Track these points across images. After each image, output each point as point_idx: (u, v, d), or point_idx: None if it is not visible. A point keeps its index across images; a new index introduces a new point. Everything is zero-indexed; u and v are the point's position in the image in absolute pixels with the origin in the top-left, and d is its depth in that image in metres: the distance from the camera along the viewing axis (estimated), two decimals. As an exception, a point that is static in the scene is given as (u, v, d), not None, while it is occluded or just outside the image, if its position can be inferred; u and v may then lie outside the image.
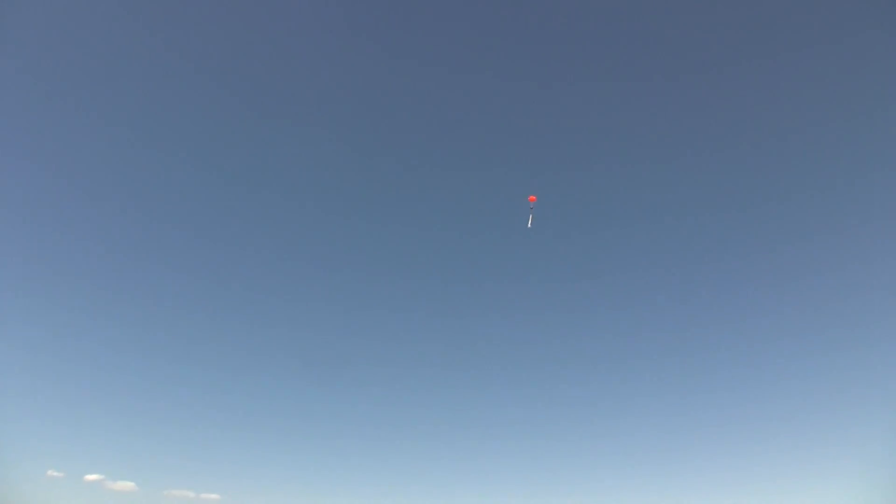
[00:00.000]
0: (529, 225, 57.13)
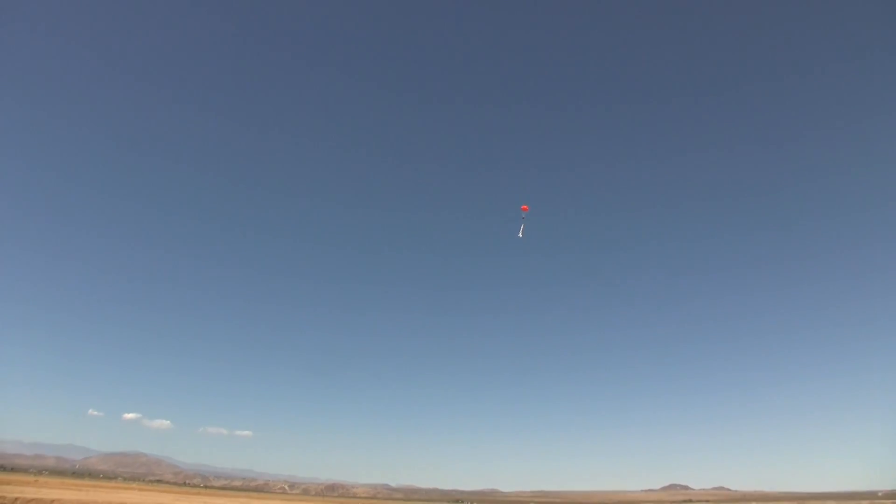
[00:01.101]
0: (521, 235, 52.94)
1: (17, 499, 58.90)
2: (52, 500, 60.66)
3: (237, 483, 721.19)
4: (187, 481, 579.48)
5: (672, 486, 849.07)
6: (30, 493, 71.53)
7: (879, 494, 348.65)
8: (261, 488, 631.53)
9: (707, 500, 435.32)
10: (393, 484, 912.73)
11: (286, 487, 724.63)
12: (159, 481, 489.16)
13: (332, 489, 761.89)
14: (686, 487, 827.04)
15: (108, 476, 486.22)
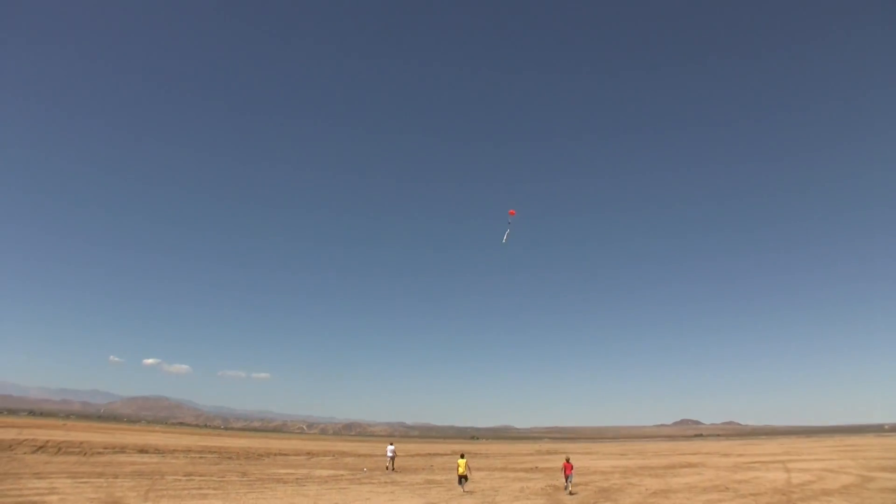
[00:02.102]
0: (504, 241, 52.37)
1: (48, 441, 61.87)
2: (81, 442, 63.62)
3: (256, 424, 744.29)
4: (208, 423, 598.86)
5: (684, 422, 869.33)
6: (59, 436, 74.84)
7: (886, 427, 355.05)
8: (279, 429, 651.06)
9: (717, 435, 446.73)
10: (409, 422, 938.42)
11: (304, 427, 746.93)
12: (181, 424, 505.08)
13: (349, 428, 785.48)
14: (697, 422, 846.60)
15: (132, 420, 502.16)
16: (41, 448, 55.20)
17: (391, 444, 57.79)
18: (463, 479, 33.39)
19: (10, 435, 68.90)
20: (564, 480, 32.95)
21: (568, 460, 33.98)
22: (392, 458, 52.73)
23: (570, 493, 31.68)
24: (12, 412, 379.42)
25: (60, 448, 56.19)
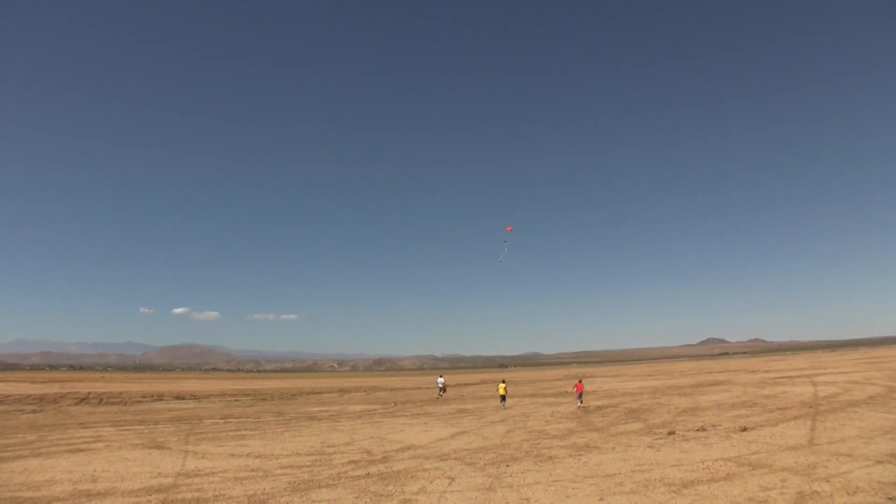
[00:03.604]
0: (501, 260, 50.35)
1: (89, 393, 63.98)
2: (120, 393, 65.77)
3: (288, 365, 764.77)
4: (240, 367, 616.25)
5: (710, 341, 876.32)
6: (99, 387, 77.40)
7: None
8: (311, 368, 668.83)
9: (743, 352, 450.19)
10: (438, 354, 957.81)
11: (335, 365, 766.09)
12: (214, 369, 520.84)
13: (379, 363, 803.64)
14: (723, 341, 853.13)
15: (166, 368, 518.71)
16: (84, 400, 57.12)
17: (441, 376, 67.69)
18: (503, 398, 40.83)
19: (53, 389, 71.44)
20: (578, 398, 38.44)
21: (580, 381, 41.35)
22: (442, 389, 59.07)
23: (581, 406, 36.99)
24: (53, 367, 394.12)
25: (101, 399, 58.09)
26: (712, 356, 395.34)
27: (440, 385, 59.78)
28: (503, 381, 44.05)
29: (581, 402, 38.01)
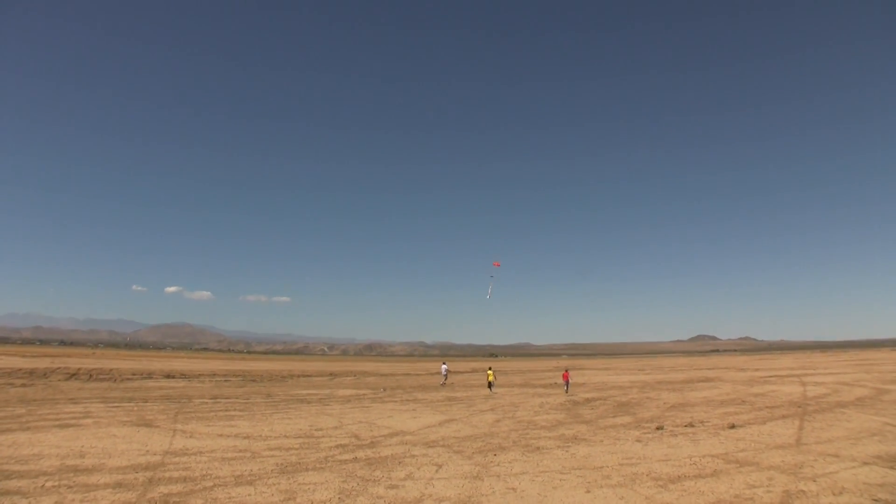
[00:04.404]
0: (489, 297, 51.04)
1: (79, 368, 63.85)
2: (110, 369, 65.65)
3: (278, 347, 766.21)
4: (231, 348, 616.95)
5: (700, 337, 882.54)
6: (90, 364, 77.24)
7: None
8: (301, 351, 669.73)
9: (733, 350, 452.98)
10: (429, 341, 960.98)
11: (326, 349, 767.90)
12: (205, 349, 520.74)
13: (370, 348, 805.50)
14: (713, 338, 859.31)
15: (157, 346, 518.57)
16: (74, 375, 57.02)
17: (444, 363, 69.28)
18: (490, 384, 46.14)
19: (44, 363, 71.25)
20: (565, 385, 44.01)
21: (567, 371, 47.02)
22: (445, 375, 60.32)
23: (567, 393, 41.73)
24: (44, 342, 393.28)
25: (91, 375, 58.01)
26: (703, 353, 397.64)
27: (443, 372, 60.55)
28: (490, 369, 49.86)
29: (567, 390, 43.01)
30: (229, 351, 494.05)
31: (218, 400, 36.23)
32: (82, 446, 17.84)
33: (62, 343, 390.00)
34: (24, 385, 44.82)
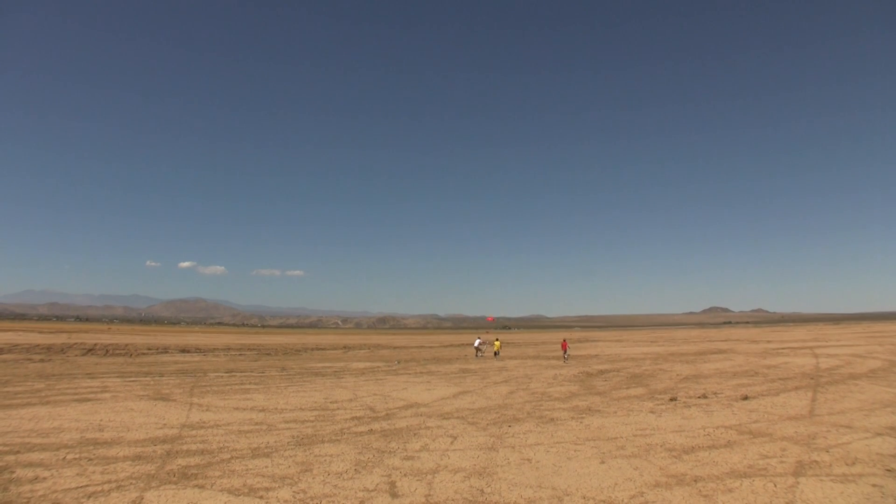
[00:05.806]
0: (477, 356, 54.24)
1: (96, 344, 64.80)
2: (126, 345, 66.58)
3: (292, 321, 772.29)
4: (245, 322, 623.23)
5: (713, 309, 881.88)
6: (106, 339, 78.36)
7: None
8: (315, 324, 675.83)
9: (746, 322, 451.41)
10: (441, 314, 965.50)
11: (339, 322, 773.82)
12: (219, 324, 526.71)
13: (383, 321, 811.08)
14: (726, 310, 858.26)
15: (172, 321, 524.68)
16: (90, 350, 57.89)
17: (479, 337, 66.35)
18: (497, 353, 53.29)
19: (61, 339, 72.41)
20: (563, 354, 47.91)
21: (565, 340, 50.40)
22: (478, 348, 57.70)
23: (566, 362, 45.02)
24: (60, 318, 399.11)
25: (108, 350, 58.86)
26: (715, 325, 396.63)
27: (477, 345, 57.98)
28: (497, 339, 56.53)
29: (566, 359, 47.12)
30: (243, 325, 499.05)
31: (233, 374, 36.65)
32: (101, 420, 18.12)
33: (78, 319, 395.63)
34: (42, 360, 45.59)
